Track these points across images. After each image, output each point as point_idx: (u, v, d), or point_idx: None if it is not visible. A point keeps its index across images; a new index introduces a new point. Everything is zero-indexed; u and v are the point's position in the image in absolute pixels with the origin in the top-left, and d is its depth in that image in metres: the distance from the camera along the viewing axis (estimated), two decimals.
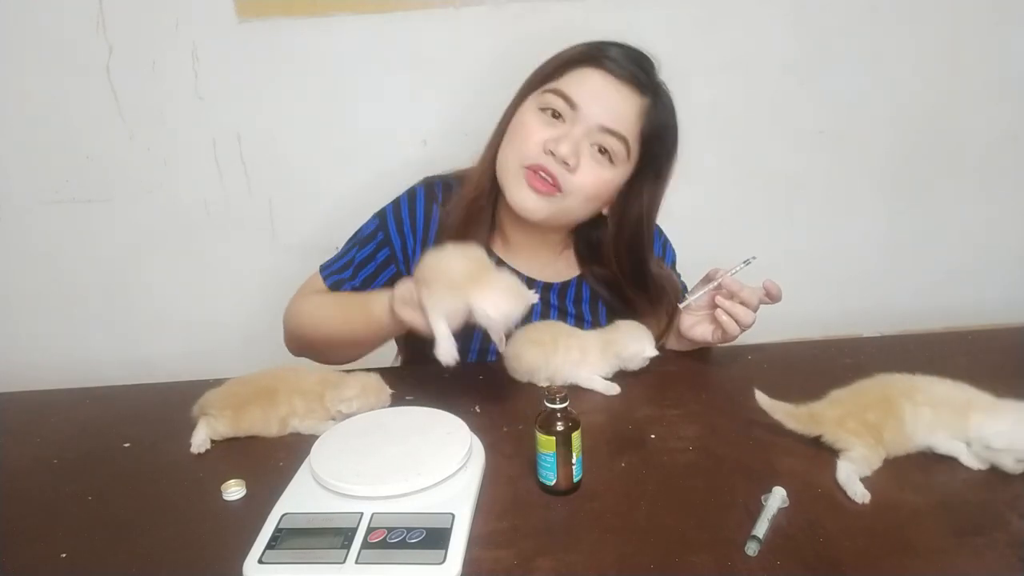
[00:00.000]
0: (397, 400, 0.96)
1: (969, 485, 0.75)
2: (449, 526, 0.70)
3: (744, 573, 0.66)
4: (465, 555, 0.68)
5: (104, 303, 1.61)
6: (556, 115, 1.00)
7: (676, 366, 1.07)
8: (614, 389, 0.99)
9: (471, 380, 1.06)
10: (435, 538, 0.68)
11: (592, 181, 1.00)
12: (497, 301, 0.83)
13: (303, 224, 1.54)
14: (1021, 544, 0.67)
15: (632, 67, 1.00)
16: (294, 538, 0.70)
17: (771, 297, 1.02)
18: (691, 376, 1.04)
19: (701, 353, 1.10)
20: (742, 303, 1.01)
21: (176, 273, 1.59)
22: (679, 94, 1.42)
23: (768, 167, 1.52)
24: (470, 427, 0.85)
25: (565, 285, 1.16)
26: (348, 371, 0.97)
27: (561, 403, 0.76)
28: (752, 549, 0.67)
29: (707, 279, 1.06)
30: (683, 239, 1.58)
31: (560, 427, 0.76)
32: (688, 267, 1.57)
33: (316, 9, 1.39)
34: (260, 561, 0.68)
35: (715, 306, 1.03)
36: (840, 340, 1.15)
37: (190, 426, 0.98)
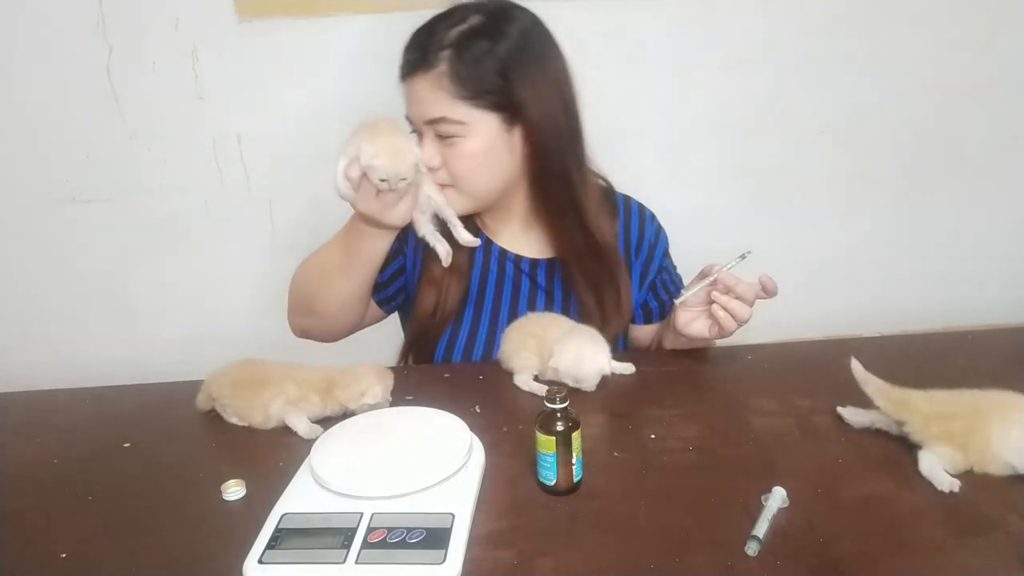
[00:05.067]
0: (397, 400, 0.96)
1: (969, 485, 0.75)
2: (449, 526, 0.70)
3: (744, 573, 0.66)
4: (465, 555, 0.68)
5: (104, 303, 1.61)
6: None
7: (676, 366, 1.07)
8: (629, 368, 1.00)
9: (471, 380, 1.06)
10: (435, 538, 0.68)
11: (457, 164, 1.00)
12: (379, 149, 0.89)
13: (303, 224, 1.54)
14: (1021, 544, 0.67)
15: (410, 56, 0.99)
16: (294, 538, 0.70)
17: (767, 292, 1.01)
18: (691, 376, 1.04)
19: (701, 353, 1.10)
20: (738, 298, 0.99)
21: (176, 273, 1.59)
22: (679, 94, 1.42)
23: (768, 167, 1.52)
24: (470, 427, 0.85)
25: (535, 263, 1.14)
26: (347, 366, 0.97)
27: (561, 403, 0.76)
28: (752, 549, 0.67)
29: (703, 275, 1.05)
30: (683, 239, 1.58)
31: (560, 427, 0.76)
32: (688, 267, 1.57)
33: (316, 9, 1.39)
34: (260, 561, 0.68)
35: (711, 302, 1.01)
36: (840, 340, 1.15)
37: (190, 426, 0.98)
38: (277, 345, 1.27)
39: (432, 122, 0.99)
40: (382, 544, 0.68)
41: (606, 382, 1.00)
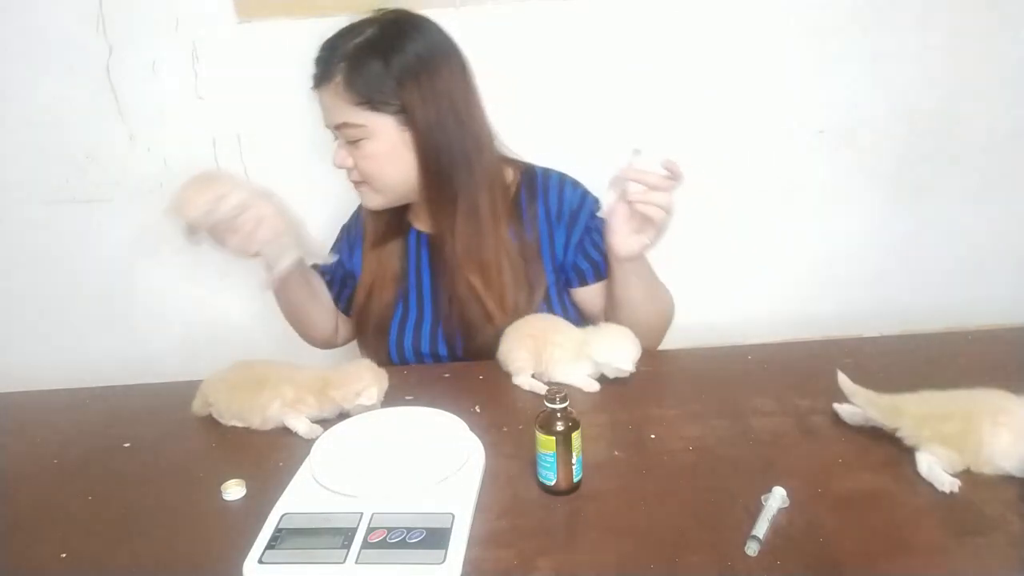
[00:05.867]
0: (397, 400, 0.96)
1: (969, 485, 0.75)
2: (449, 526, 0.70)
3: (744, 573, 0.66)
4: (465, 555, 0.68)
5: (104, 303, 1.61)
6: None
7: (676, 366, 1.07)
8: (593, 386, 1.00)
9: (471, 380, 1.07)
10: (435, 538, 0.68)
11: (364, 163, 1.09)
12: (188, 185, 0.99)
13: (303, 224, 1.54)
14: (1021, 544, 0.67)
15: (315, 69, 1.07)
16: (294, 538, 0.70)
17: (674, 173, 1.00)
18: (691, 376, 1.04)
19: (701, 353, 1.10)
20: (653, 188, 1.00)
21: (176, 273, 1.59)
22: (679, 93, 1.42)
23: (768, 167, 1.52)
24: (470, 427, 0.85)
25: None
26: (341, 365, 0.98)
27: (561, 403, 0.76)
28: (752, 549, 0.67)
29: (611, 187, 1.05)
30: (682, 238, 1.58)
31: (560, 427, 0.76)
32: (687, 266, 1.57)
33: (316, 9, 1.38)
34: (260, 561, 0.68)
35: (632, 212, 1.02)
36: (840, 340, 1.15)
37: (190, 426, 0.99)
38: (277, 345, 1.27)
39: (337, 127, 1.08)
40: (382, 544, 0.68)
41: (606, 383, 1.00)
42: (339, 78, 1.04)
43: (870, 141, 1.51)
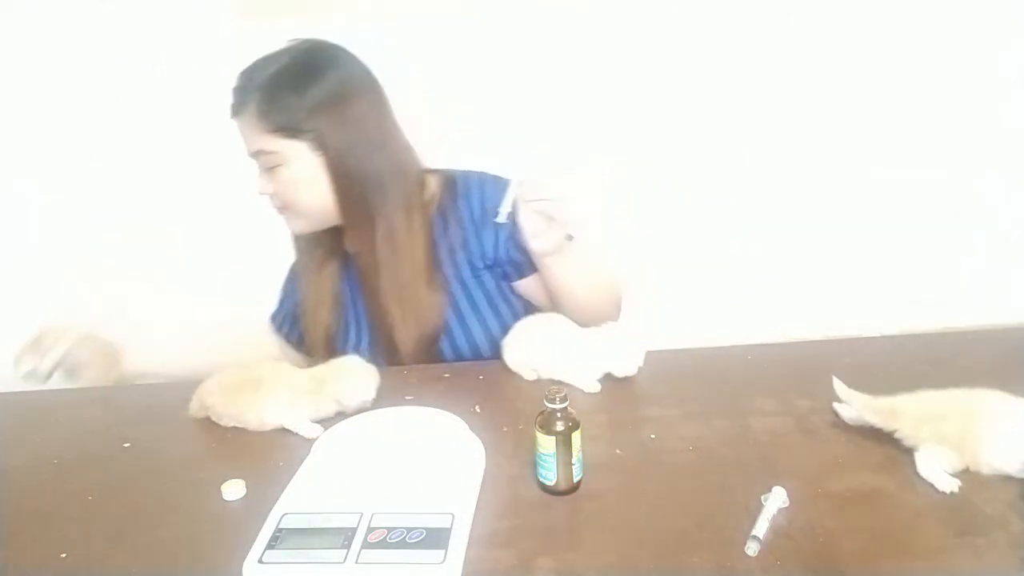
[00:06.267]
0: (397, 400, 0.96)
1: (969, 485, 0.75)
2: (449, 526, 0.70)
3: (744, 573, 0.66)
4: (465, 555, 0.68)
5: (104, 303, 1.61)
6: None
7: (676, 366, 1.07)
8: (593, 387, 1.00)
9: (471, 380, 1.07)
10: (435, 538, 0.68)
11: (282, 189, 1.10)
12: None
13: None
14: (1021, 544, 0.67)
15: (232, 99, 1.09)
16: (294, 538, 0.70)
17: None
18: (691, 376, 1.04)
19: (701, 353, 1.10)
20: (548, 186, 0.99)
21: (176, 273, 1.59)
22: (678, 93, 1.42)
23: (767, 166, 1.52)
24: (470, 427, 0.85)
25: None
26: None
27: (561, 403, 0.76)
28: (752, 549, 0.67)
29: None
30: (682, 238, 1.58)
31: (560, 427, 0.76)
32: (687, 265, 1.57)
33: (319, 9, 1.38)
34: (260, 561, 0.68)
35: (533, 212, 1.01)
36: (840, 340, 1.15)
37: (190, 426, 0.99)
38: (277, 345, 1.27)
39: (254, 155, 1.10)
40: (382, 544, 0.68)
41: (606, 383, 1.00)
42: (253, 107, 1.07)
43: (870, 141, 1.51)
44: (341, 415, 0.94)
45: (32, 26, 1.43)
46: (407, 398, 0.98)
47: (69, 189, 1.54)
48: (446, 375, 1.09)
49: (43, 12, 1.43)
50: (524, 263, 1.17)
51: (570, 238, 1.04)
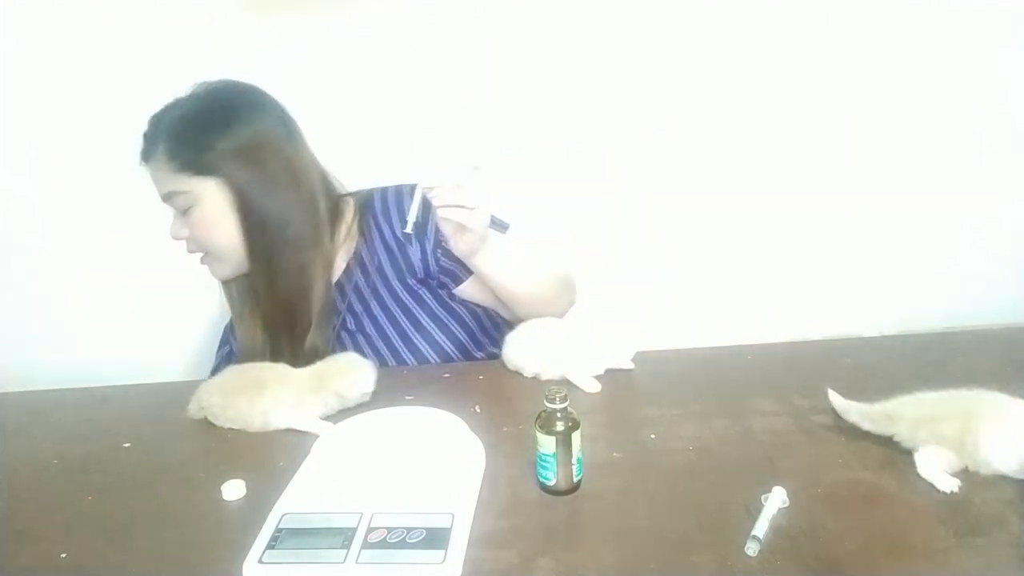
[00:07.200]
0: (397, 400, 0.96)
1: (969, 485, 0.75)
2: (449, 526, 0.70)
3: (744, 573, 0.65)
4: (465, 555, 0.68)
5: (104, 303, 1.61)
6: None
7: (676, 366, 1.07)
8: (594, 387, 1.00)
9: (471, 380, 1.07)
10: (435, 538, 0.68)
11: (199, 232, 1.11)
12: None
13: None
14: (1021, 544, 0.67)
15: (141, 145, 1.10)
16: (294, 538, 0.70)
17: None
18: (691, 376, 1.04)
19: (701, 353, 1.10)
20: (454, 189, 0.99)
21: (176, 273, 1.59)
22: (678, 94, 1.42)
23: (767, 166, 1.52)
24: (470, 427, 0.85)
25: (347, 268, 1.19)
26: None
27: (561, 403, 0.76)
28: (752, 549, 0.67)
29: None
30: (682, 238, 1.58)
31: (560, 427, 0.76)
32: (687, 266, 1.57)
33: (321, 4, 1.38)
34: (260, 561, 0.68)
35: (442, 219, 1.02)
36: (840, 340, 1.15)
37: (190, 426, 0.99)
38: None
39: (167, 198, 1.10)
40: (382, 544, 0.68)
41: (606, 383, 1.00)
42: (163, 147, 1.07)
43: (870, 141, 1.51)
44: (344, 410, 0.94)
45: (31, 25, 1.43)
46: (407, 398, 0.98)
47: (69, 189, 1.54)
48: (446, 375, 1.09)
49: (42, 11, 1.42)
50: (457, 268, 1.16)
51: (502, 226, 1.03)
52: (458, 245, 1.04)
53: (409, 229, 1.03)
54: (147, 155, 1.09)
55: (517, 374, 1.05)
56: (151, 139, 1.09)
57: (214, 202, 1.08)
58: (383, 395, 0.98)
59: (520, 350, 1.05)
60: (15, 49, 1.45)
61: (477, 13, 1.41)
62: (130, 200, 1.53)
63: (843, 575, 0.65)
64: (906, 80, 1.46)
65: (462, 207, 0.99)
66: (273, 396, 0.94)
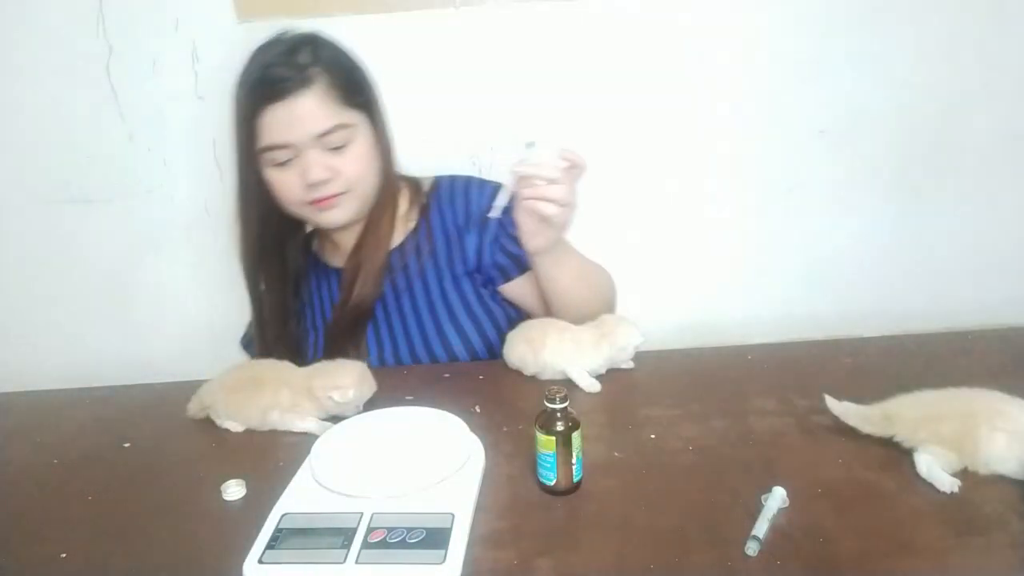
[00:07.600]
0: (397, 400, 0.96)
1: (969, 485, 0.75)
2: (449, 526, 0.70)
3: (744, 573, 0.66)
4: (465, 555, 0.68)
5: (104, 303, 1.61)
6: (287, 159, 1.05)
7: (676, 366, 1.07)
8: (596, 387, 0.99)
9: (471, 380, 1.07)
10: (435, 538, 0.68)
11: (352, 168, 1.06)
12: None
13: None
14: (1021, 544, 0.67)
15: (280, 81, 1.01)
16: (294, 538, 0.70)
17: (575, 163, 0.97)
18: (691, 376, 1.04)
19: (701, 353, 1.10)
20: (550, 183, 0.97)
21: (176, 273, 1.59)
22: (678, 94, 1.42)
23: (768, 167, 1.52)
24: (470, 427, 0.85)
25: (403, 243, 1.19)
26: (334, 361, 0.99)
27: (561, 403, 0.76)
28: (752, 549, 0.67)
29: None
30: (682, 238, 1.58)
31: (560, 427, 0.76)
32: (687, 265, 1.57)
33: (317, 9, 1.38)
34: (260, 561, 0.68)
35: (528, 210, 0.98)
36: (840, 340, 1.15)
37: (190, 426, 0.99)
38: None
39: (324, 134, 1.03)
40: (382, 544, 0.68)
41: (606, 383, 1.00)
42: (321, 80, 1.02)
43: (870, 141, 1.51)
44: (341, 412, 0.94)
45: (29, 23, 1.43)
46: (407, 398, 0.98)
47: (69, 189, 1.54)
48: (446, 375, 1.09)
49: (38, 11, 1.43)
50: (509, 266, 1.15)
51: (557, 236, 1.02)
52: (535, 240, 1.03)
53: (496, 214, 1.02)
54: (296, 89, 1.01)
55: (517, 374, 1.05)
56: (296, 72, 1.01)
57: (369, 138, 1.09)
58: (383, 395, 0.98)
59: (520, 350, 1.05)
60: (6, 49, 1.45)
61: (478, 18, 1.41)
62: (130, 200, 1.54)
63: (843, 575, 0.65)
64: (904, 79, 1.46)
65: (554, 202, 0.96)
66: (272, 397, 0.94)
